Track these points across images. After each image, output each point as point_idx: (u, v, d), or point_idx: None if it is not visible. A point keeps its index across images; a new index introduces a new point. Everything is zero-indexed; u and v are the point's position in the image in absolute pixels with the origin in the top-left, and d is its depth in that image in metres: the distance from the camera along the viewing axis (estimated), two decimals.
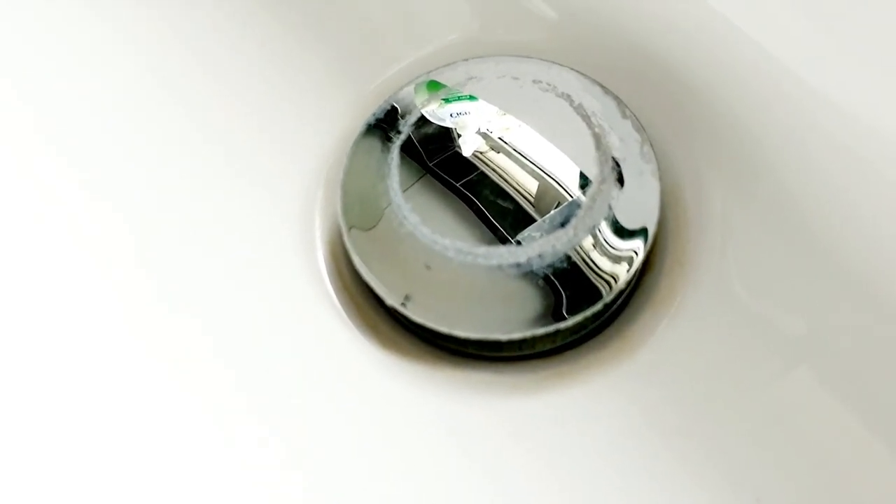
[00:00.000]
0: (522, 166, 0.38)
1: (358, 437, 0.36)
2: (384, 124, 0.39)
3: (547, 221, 0.37)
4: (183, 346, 0.37)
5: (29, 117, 0.40)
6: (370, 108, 0.39)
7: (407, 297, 0.36)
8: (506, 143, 0.38)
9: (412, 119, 0.38)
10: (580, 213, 0.36)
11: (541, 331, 0.36)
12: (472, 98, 0.39)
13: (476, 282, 0.36)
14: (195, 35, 0.41)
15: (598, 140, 0.37)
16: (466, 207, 0.37)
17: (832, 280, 0.36)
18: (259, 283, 0.38)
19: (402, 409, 0.37)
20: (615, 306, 0.37)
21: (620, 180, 0.37)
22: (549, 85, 0.38)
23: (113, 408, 0.36)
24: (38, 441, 0.35)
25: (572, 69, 0.39)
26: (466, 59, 0.39)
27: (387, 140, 0.38)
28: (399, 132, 0.38)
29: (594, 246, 0.36)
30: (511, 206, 0.37)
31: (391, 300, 0.36)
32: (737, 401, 0.35)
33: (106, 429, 0.36)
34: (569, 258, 0.36)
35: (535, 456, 0.35)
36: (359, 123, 0.39)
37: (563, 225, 0.36)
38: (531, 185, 0.38)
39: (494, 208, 0.37)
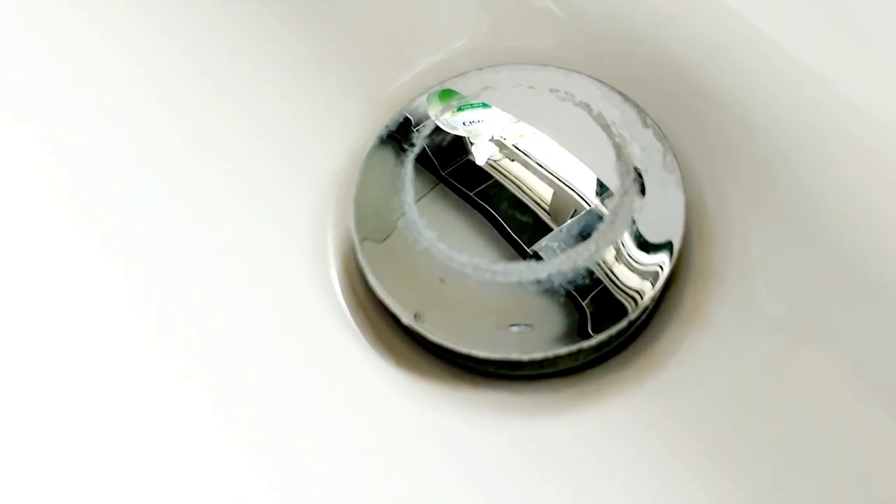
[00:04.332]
0: (539, 175, 0.37)
1: (373, 458, 0.35)
2: (397, 136, 0.38)
3: (564, 230, 0.36)
4: (194, 362, 0.36)
5: (29, 129, 0.39)
6: (381, 118, 0.39)
7: (419, 314, 0.35)
8: (521, 151, 0.37)
9: (426, 131, 0.37)
10: (602, 226, 0.35)
11: (563, 350, 0.35)
12: (485, 106, 0.38)
13: (495, 299, 0.35)
14: (203, 46, 0.41)
15: (619, 150, 0.36)
16: (482, 218, 0.37)
17: (862, 290, 0.35)
18: (271, 298, 0.38)
19: (418, 429, 0.36)
20: (639, 322, 0.36)
21: (643, 192, 0.36)
22: (566, 93, 0.37)
23: (124, 429, 0.35)
24: (42, 446, 0.35)
25: (590, 77, 0.38)
26: (481, 69, 0.38)
27: (400, 152, 0.37)
28: (413, 144, 0.37)
29: (617, 260, 0.35)
30: (528, 216, 0.36)
31: (406, 318, 0.36)
32: (767, 420, 0.34)
33: (119, 447, 0.35)
34: (591, 274, 0.35)
35: (557, 480, 0.35)
36: (370, 134, 0.38)
37: (584, 239, 0.35)
38: (547, 194, 0.37)
39: (510, 218, 0.36)
